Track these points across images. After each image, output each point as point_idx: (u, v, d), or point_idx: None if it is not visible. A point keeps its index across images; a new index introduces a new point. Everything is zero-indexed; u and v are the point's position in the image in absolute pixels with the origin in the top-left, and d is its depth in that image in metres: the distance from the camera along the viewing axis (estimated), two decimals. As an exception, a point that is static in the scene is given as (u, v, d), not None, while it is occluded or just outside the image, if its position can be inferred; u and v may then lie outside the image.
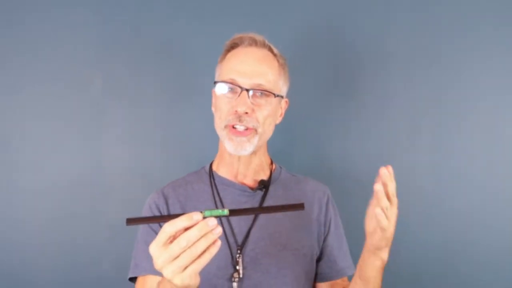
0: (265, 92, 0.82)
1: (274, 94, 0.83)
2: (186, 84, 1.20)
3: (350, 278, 0.91)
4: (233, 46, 0.87)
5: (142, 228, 0.85)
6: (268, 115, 0.83)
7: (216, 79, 0.88)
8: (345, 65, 1.23)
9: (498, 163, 1.21)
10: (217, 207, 0.85)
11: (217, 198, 0.86)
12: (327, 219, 0.92)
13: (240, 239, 0.82)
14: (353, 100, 1.24)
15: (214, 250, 0.55)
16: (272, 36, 0.99)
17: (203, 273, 0.77)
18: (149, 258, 0.78)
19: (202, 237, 0.54)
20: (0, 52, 1.15)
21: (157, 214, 0.85)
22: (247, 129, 0.81)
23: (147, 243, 0.80)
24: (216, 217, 0.57)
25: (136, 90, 1.19)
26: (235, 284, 0.78)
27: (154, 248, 0.55)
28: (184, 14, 1.20)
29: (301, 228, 0.87)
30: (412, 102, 1.22)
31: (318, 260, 0.90)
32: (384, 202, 0.67)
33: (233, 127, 0.81)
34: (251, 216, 0.85)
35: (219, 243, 0.56)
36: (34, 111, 1.17)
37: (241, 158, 0.86)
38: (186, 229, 0.54)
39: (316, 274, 0.90)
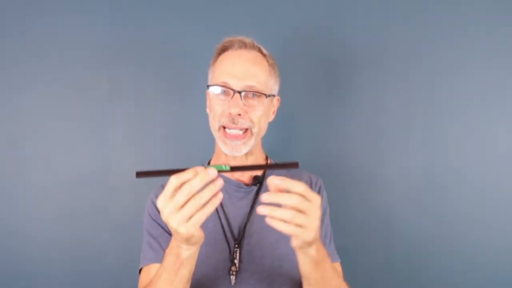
0: (257, 93, 0.83)
1: (265, 95, 0.84)
2: (187, 85, 1.21)
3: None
4: (224, 50, 0.88)
5: (146, 221, 0.87)
6: (262, 115, 0.84)
7: (209, 82, 0.89)
8: (341, 65, 1.23)
9: (491, 162, 1.21)
10: None
11: None
12: None
13: (237, 234, 0.84)
14: (348, 98, 1.24)
15: (216, 201, 0.57)
16: (270, 36, 0.99)
17: (202, 266, 0.78)
18: (153, 248, 0.81)
19: (205, 188, 0.56)
20: (11, 56, 1.17)
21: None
22: (245, 131, 0.83)
23: (151, 235, 0.83)
24: (219, 171, 0.59)
25: (140, 92, 1.21)
26: (232, 277, 0.80)
27: (161, 200, 0.57)
28: (184, 18, 1.21)
29: None
30: (406, 101, 1.22)
31: None
32: (282, 214, 0.59)
33: (225, 130, 0.83)
34: (248, 211, 0.86)
35: (220, 195, 0.57)
36: (43, 111, 1.18)
37: (237, 157, 0.87)
38: None
39: None
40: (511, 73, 1.21)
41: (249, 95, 0.83)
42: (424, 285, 1.22)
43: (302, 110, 1.23)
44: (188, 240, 0.61)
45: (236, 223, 0.85)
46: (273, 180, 0.58)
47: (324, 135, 1.23)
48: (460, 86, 1.22)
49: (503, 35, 1.21)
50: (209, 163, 0.93)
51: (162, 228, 0.84)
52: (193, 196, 0.56)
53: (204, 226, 0.83)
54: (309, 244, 0.64)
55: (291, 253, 0.85)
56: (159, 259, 0.77)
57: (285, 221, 0.58)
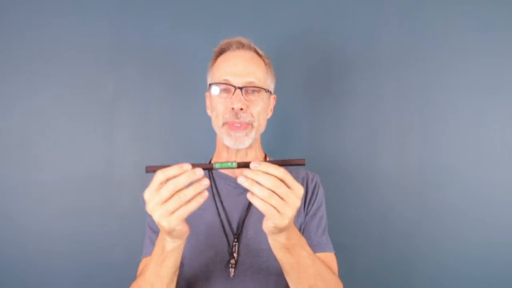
0: (256, 89, 0.85)
1: (265, 89, 0.87)
2: (189, 87, 1.22)
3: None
4: (221, 52, 0.90)
5: (148, 215, 0.84)
6: (262, 109, 0.86)
7: (209, 83, 0.91)
8: (337, 65, 1.24)
9: (484, 159, 1.22)
10: (214, 199, 0.88)
11: (214, 191, 0.89)
12: (312, 202, 0.93)
13: (235, 228, 0.85)
14: (344, 97, 1.24)
15: (200, 200, 0.58)
16: (269, 38, 1.00)
17: (201, 259, 0.82)
18: (153, 242, 0.83)
19: (191, 186, 0.57)
20: (21, 60, 1.19)
21: None
22: (241, 124, 0.83)
23: (151, 229, 0.86)
24: (225, 168, 0.60)
25: (144, 93, 1.22)
26: (231, 270, 0.81)
27: (147, 193, 0.58)
28: (187, 22, 1.23)
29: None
30: (400, 101, 1.23)
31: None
32: (259, 191, 0.59)
33: (232, 124, 0.84)
34: (246, 207, 0.87)
35: (206, 194, 0.58)
36: (52, 112, 1.20)
37: (238, 153, 0.89)
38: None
39: None
40: (502, 73, 1.22)
41: (249, 91, 0.85)
42: (419, 280, 1.23)
43: (300, 109, 1.23)
44: (170, 233, 0.62)
45: (234, 218, 0.86)
46: (253, 164, 0.59)
47: (321, 132, 1.24)
48: (452, 86, 1.23)
49: (492, 37, 1.22)
50: (210, 161, 0.95)
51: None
52: (177, 192, 0.57)
53: (203, 220, 0.85)
54: (280, 230, 0.63)
55: None
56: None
57: (262, 200, 0.58)
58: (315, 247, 0.88)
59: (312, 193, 0.93)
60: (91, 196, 1.19)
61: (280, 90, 0.96)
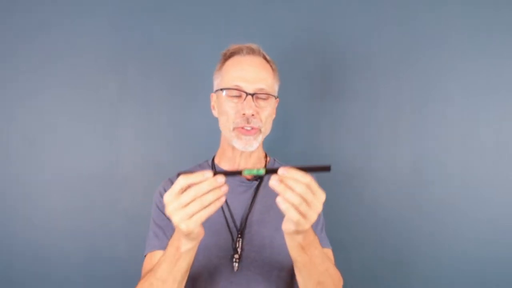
0: (267, 95, 0.87)
1: (274, 96, 0.89)
2: (191, 88, 1.24)
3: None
4: (231, 55, 0.90)
5: (153, 211, 0.89)
6: (269, 115, 0.88)
7: (217, 86, 0.91)
8: (334, 69, 1.26)
9: (475, 156, 1.24)
10: None
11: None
12: None
13: (239, 224, 0.87)
14: (341, 99, 1.26)
15: (218, 204, 0.60)
16: (269, 42, 1.00)
17: (206, 254, 0.83)
18: (158, 237, 0.86)
19: (210, 191, 0.59)
20: (25, 60, 1.20)
21: None
22: (253, 128, 0.85)
23: (157, 224, 0.87)
24: (253, 175, 0.62)
25: (147, 93, 1.23)
26: (235, 264, 0.83)
27: (168, 196, 0.60)
28: (189, 26, 1.24)
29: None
30: (394, 101, 1.25)
31: None
32: (291, 197, 0.60)
33: (242, 128, 0.85)
34: (249, 203, 0.89)
35: (223, 199, 0.60)
36: (58, 112, 1.21)
37: (243, 154, 0.90)
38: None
39: None
40: (492, 74, 1.24)
41: (259, 97, 0.86)
42: (415, 276, 1.24)
43: (299, 109, 1.25)
44: (187, 236, 0.64)
45: (238, 214, 0.88)
46: (282, 170, 0.60)
47: (319, 132, 1.25)
48: (444, 86, 1.25)
49: (488, 38, 1.24)
50: (213, 160, 0.96)
51: (168, 218, 0.84)
52: (198, 197, 0.58)
53: (210, 218, 0.86)
54: (299, 232, 0.65)
55: (286, 245, 0.86)
56: (163, 246, 0.81)
57: (292, 205, 0.59)
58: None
59: None
60: (95, 193, 1.21)
61: (280, 91, 0.97)
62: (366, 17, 1.26)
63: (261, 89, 0.86)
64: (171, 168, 1.09)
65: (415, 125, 1.25)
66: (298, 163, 0.64)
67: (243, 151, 0.88)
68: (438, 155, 1.24)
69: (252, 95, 0.84)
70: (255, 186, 0.92)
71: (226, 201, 0.89)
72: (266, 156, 0.99)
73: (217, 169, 0.87)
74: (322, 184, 0.99)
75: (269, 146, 1.03)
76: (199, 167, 0.96)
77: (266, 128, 0.89)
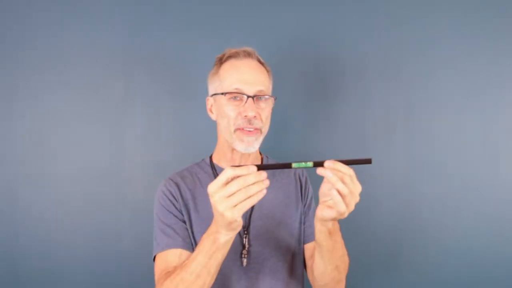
0: (265, 96, 0.88)
1: (273, 97, 0.90)
2: (193, 89, 1.26)
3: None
4: (227, 59, 0.90)
5: (159, 211, 0.88)
6: (268, 115, 0.90)
7: (215, 90, 0.90)
8: (329, 71, 1.29)
9: (463, 153, 1.29)
10: None
11: None
12: (307, 194, 0.98)
13: (244, 221, 0.88)
14: (336, 100, 1.29)
15: (260, 195, 0.62)
16: (267, 46, 1.02)
17: None
18: (169, 235, 0.84)
19: (254, 183, 0.61)
20: (39, 63, 1.22)
21: (172, 199, 0.87)
22: (255, 129, 0.86)
23: (165, 223, 0.87)
24: (301, 168, 0.65)
25: (152, 95, 1.26)
26: (244, 260, 0.85)
27: (213, 187, 0.62)
28: (191, 29, 1.26)
29: (290, 205, 0.94)
30: (387, 101, 1.29)
31: (303, 224, 0.97)
32: (342, 188, 0.64)
33: (243, 129, 0.85)
34: None
35: (264, 191, 0.62)
36: (67, 112, 1.23)
37: (243, 155, 0.91)
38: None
39: (303, 237, 0.96)
40: (481, 76, 1.28)
41: (259, 99, 0.87)
42: (404, 267, 1.29)
43: (293, 110, 1.28)
44: (229, 225, 0.64)
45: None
46: (328, 163, 0.64)
47: (313, 132, 1.29)
48: (434, 89, 1.29)
49: (471, 45, 1.29)
50: (211, 157, 0.97)
51: (176, 217, 0.86)
52: (243, 188, 0.61)
53: (213, 214, 0.85)
54: (334, 219, 0.69)
55: (288, 237, 0.92)
56: (177, 244, 0.82)
57: (342, 196, 0.63)
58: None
59: (305, 186, 0.99)
60: (103, 190, 1.23)
61: (275, 91, 0.98)
62: (361, 20, 1.29)
63: (261, 90, 0.87)
64: (174, 166, 1.10)
65: (407, 126, 1.29)
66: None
67: (243, 152, 0.88)
68: (431, 154, 1.28)
69: (253, 97, 0.85)
70: None
71: None
72: (260, 154, 1.01)
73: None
74: (318, 182, 0.98)
75: (264, 145, 1.03)
76: (197, 166, 0.97)
77: (266, 128, 0.90)
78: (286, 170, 0.99)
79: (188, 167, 0.97)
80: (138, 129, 1.25)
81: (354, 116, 1.29)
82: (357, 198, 0.65)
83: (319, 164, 0.64)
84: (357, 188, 0.65)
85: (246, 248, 0.86)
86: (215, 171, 0.94)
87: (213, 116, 0.94)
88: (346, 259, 0.83)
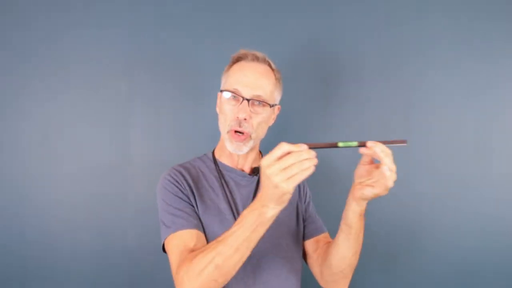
0: (262, 102, 0.89)
1: (269, 105, 0.90)
2: (195, 89, 1.28)
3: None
4: (238, 60, 0.92)
5: (167, 197, 0.87)
6: (261, 121, 0.90)
7: (222, 87, 0.94)
8: (329, 71, 1.31)
9: (463, 153, 1.30)
10: (223, 188, 0.92)
11: (222, 180, 0.93)
12: (305, 193, 1.01)
13: None
14: (336, 100, 1.31)
15: (311, 170, 0.65)
16: (266, 48, 1.02)
17: None
18: (183, 217, 0.83)
19: (306, 159, 0.64)
20: (44, 65, 1.23)
21: (179, 186, 0.88)
22: (243, 133, 0.88)
23: (175, 207, 0.86)
24: (347, 147, 0.69)
25: (155, 95, 1.27)
26: None
27: (267, 161, 0.65)
28: (195, 31, 1.28)
29: (288, 204, 0.91)
30: (386, 101, 1.31)
31: (303, 222, 0.99)
32: (390, 163, 0.69)
33: (235, 132, 0.88)
34: (251, 197, 0.93)
35: (313, 168, 0.65)
36: (73, 112, 1.25)
37: (240, 154, 0.93)
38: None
39: (304, 234, 0.99)
40: (481, 76, 1.29)
41: (255, 103, 0.88)
42: (406, 269, 1.30)
43: (294, 110, 1.29)
44: (282, 197, 0.66)
45: (241, 206, 0.92)
46: (370, 143, 0.69)
47: (313, 134, 1.30)
48: (428, 90, 1.30)
49: (469, 45, 1.30)
50: (213, 153, 0.98)
51: (184, 201, 0.87)
52: (297, 162, 0.64)
53: (217, 207, 0.90)
54: (371, 198, 0.73)
55: (286, 234, 0.94)
56: (191, 225, 0.83)
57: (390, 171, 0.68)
58: (321, 227, 1.00)
59: (303, 184, 1.02)
60: (107, 187, 1.25)
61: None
62: (360, 20, 1.31)
63: (258, 96, 0.88)
64: (177, 163, 1.09)
65: (403, 124, 1.30)
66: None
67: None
68: (430, 154, 1.29)
69: (248, 100, 0.87)
70: (255, 181, 0.96)
71: (231, 193, 0.93)
72: (260, 153, 1.03)
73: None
74: (317, 183, 1.05)
75: (265, 145, 1.05)
76: (200, 160, 0.98)
77: (258, 134, 0.91)
78: None
79: (190, 160, 0.99)
80: (141, 129, 1.27)
81: (354, 116, 1.31)
82: (395, 176, 0.69)
83: (362, 144, 0.69)
84: (395, 166, 0.69)
85: None
86: (217, 166, 0.96)
87: (217, 111, 0.97)
88: (360, 248, 0.86)
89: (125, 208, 1.25)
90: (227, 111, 0.89)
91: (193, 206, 0.88)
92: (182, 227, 0.83)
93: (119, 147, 1.26)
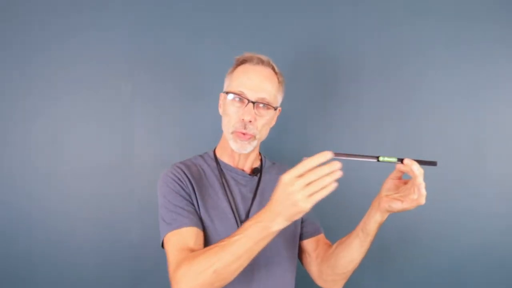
0: (267, 105, 0.90)
1: (274, 107, 0.92)
2: (197, 90, 1.29)
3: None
4: (243, 62, 0.93)
5: (168, 195, 0.87)
6: (265, 123, 0.92)
7: (226, 88, 0.94)
8: (328, 72, 1.31)
9: (462, 153, 1.31)
10: (224, 187, 0.93)
11: (223, 179, 0.94)
12: None
13: (243, 216, 0.92)
14: (335, 101, 1.31)
15: (333, 187, 0.62)
16: (266, 48, 1.02)
17: (217, 241, 0.82)
18: (183, 215, 0.84)
19: (328, 174, 0.61)
20: (52, 66, 1.25)
21: (181, 183, 0.88)
22: (248, 134, 0.89)
23: (176, 205, 0.86)
24: (387, 162, 0.70)
25: (158, 96, 1.28)
26: None
27: (289, 177, 0.62)
28: (197, 34, 1.29)
29: None
30: (383, 102, 1.31)
31: (301, 222, 1.00)
32: (423, 181, 0.70)
33: (239, 132, 0.89)
34: (251, 198, 0.94)
35: (335, 184, 0.62)
36: (78, 112, 1.26)
37: (242, 154, 0.94)
38: None
39: (301, 234, 0.99)
40: (480, 76, 1.30)
41: (260, 106, 0.89)
42: (406, 269, 1.31)
43: (294, 110, 1.29)
44: (294, 215, 0.65)
45: (241, 205, 0.93)
46: (407, 160, 0.71)
47: (312, 134, 1.31)
48: (422, 92, 1.31)
49: (468, 46, 1.30)
50: (214, 152, 0.99)
51: (186, 199, 0.88)
52: (319, 179, 0.61)
53: (218, 206, 0.91)
54: (401, 210, 0.74)
55: (283, 233, 0.90)
56: (192, 223, 0.83)
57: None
58: (319, 229, 1.01)
59: None
60: (112, 184, 1.26)
61: None
62: (359, 21, 1.31)
63: (263, 98, 0.89)
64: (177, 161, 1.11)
65: (398, 126, 1.31)
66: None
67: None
68: (429, 154, 1.21)
69: (253, 103, 0.88)
70: (255, 181, 0.97)
71: (231, 193, 0.93)
72: (260, 155, 1.04)
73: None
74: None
75: (264, 145, 1.08)
76: (201, 158, 0.99)
77: (262, 135, 0.93)
78: (281, 169, 1.00)
79: (191, 158, 0.99)
80: (145, 128, 1.28)
81: (354, 116, 1.31)
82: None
83: (400, 161, 0.71)
84: (425, 184, 0.71)
85: None
86: (218, 165, 0.97)
87: (220, 111, 0.97)
88: None
89: (128, 206, 1.26)
90: (232, 113, 0.90)
91: (194, 204, 0.89)
92: (182, 225, 0.83)
93: (125, 147, 1.26)
